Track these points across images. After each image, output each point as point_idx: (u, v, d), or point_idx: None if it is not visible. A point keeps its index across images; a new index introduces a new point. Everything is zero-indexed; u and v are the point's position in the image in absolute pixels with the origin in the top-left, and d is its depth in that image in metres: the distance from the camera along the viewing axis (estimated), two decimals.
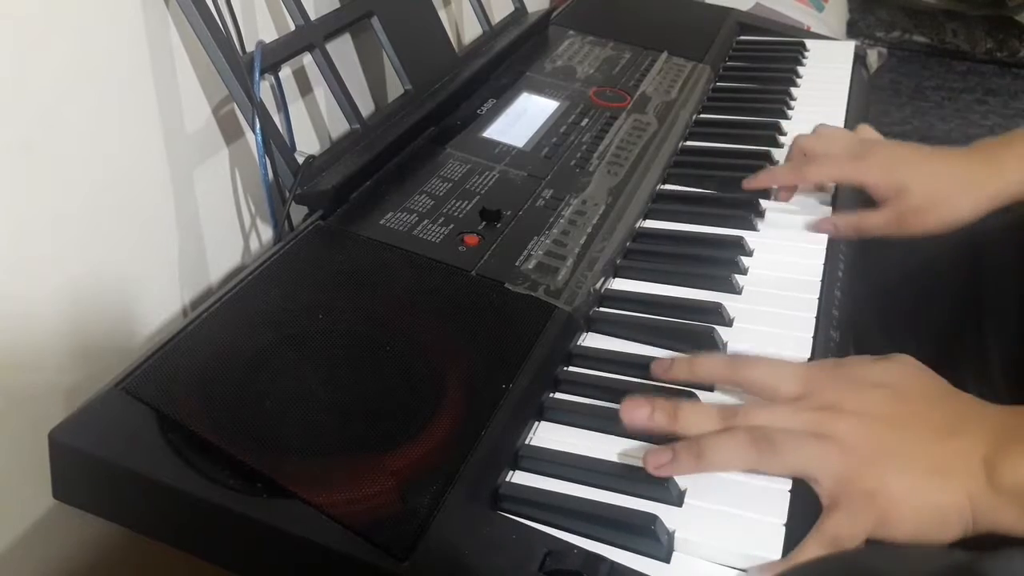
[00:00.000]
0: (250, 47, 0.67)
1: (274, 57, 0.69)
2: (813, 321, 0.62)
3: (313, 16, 0.73)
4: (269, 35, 0.73)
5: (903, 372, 0.51)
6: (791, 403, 0.49)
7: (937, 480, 0.45)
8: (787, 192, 0.76)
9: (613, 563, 0.44)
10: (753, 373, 0.52)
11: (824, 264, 0.68)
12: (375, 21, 0.79)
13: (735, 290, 0.65)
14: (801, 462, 0.47)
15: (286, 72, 0.78)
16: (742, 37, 1.13)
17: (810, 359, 0.58)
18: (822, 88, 0.99)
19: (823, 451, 0.46)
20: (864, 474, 0.45)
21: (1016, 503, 0.43)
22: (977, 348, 0.74)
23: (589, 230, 0.68)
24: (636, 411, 0.50)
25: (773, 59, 1.06)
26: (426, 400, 0.50)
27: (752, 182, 0.76)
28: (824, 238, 0.71)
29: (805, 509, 0.48)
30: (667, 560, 0.45)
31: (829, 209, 0.75)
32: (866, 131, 0.78)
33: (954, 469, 0.45)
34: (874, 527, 0.45)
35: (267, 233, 0.79)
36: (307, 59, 0.79)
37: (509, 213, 0.68)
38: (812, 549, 0.45)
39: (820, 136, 0.76)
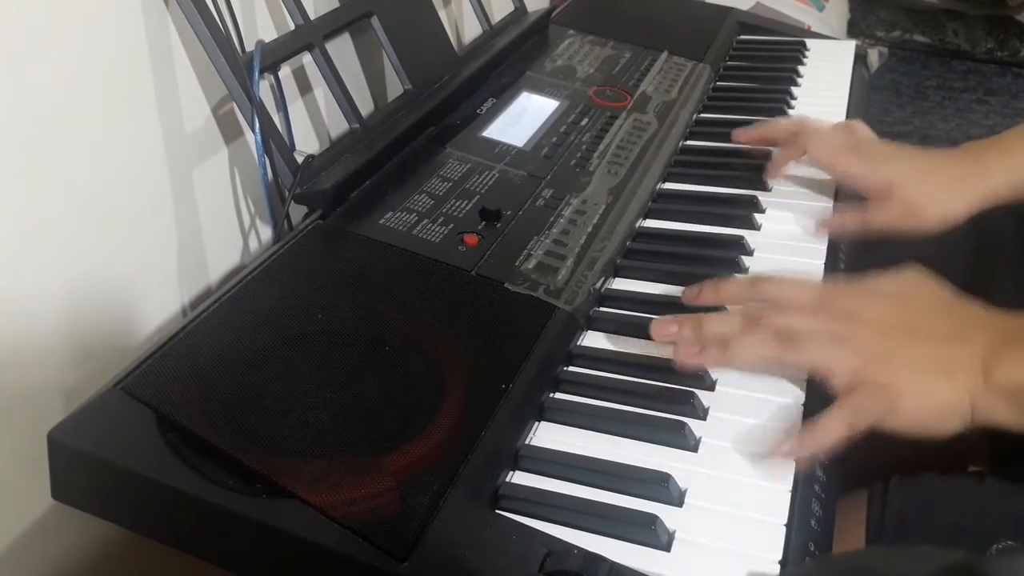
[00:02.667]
0: (249, 46, 0.67)
1: (274, 56, 0.69)
2: None
3: (313, 16, 0.73)
4: (269, 35, 0.73)
5: (913, 282, 0.56)
6: (810, 311, 0.53)
7: (942, 379, 0.50)
8: (775, 168, 0.77)
9: (613, 563, 0.44)
10: (774, 289, 0.56)
11: (825, 264, 0.68)
12: (375, 21, 0.79)
13: None
14: (820, 357, 0.52)
15: (285, 71, 0.78)
16: (742, 36, 1.13)
17: None
18: (823, 88, 0.99)
19: (840, 350, 0.51)
20: (877, 371, 0.51)
21: (1008, 400, 0.49)
22: None
23: (589, 230, 0.68)
24: (665, 327, 0.55)
25: (773, 59, 1.06)
26: (426, 400, 0.50)
27: (745, 135, 0.79)
28: (824, 238, 0.71)
29: (805, 509, 0.48)
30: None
31: (830, 208, 0.75)
32: (859, 127, 0.78)
33: (957, 370, 0.50)
34: (883, 417, 0.50)
35: (266, 233, 0.79)
36: (307, 58, 0.79)
37: (509, 213, 0.68)
38: (835, 415, 0.50)
39: (814, 124, 0.77)
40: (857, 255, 0.73)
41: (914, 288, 0.55)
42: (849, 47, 1.09)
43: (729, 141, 0.86)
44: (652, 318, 0.61)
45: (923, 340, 0.52)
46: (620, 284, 0.66)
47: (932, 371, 0.51)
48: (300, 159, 0.68)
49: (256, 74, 0.65)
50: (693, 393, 0.54)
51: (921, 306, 0.54)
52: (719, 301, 0.58)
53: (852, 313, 0.53)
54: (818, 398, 0.55)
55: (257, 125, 0.65)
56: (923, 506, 0.57)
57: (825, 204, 0.76)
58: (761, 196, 0.76)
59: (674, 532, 0.46)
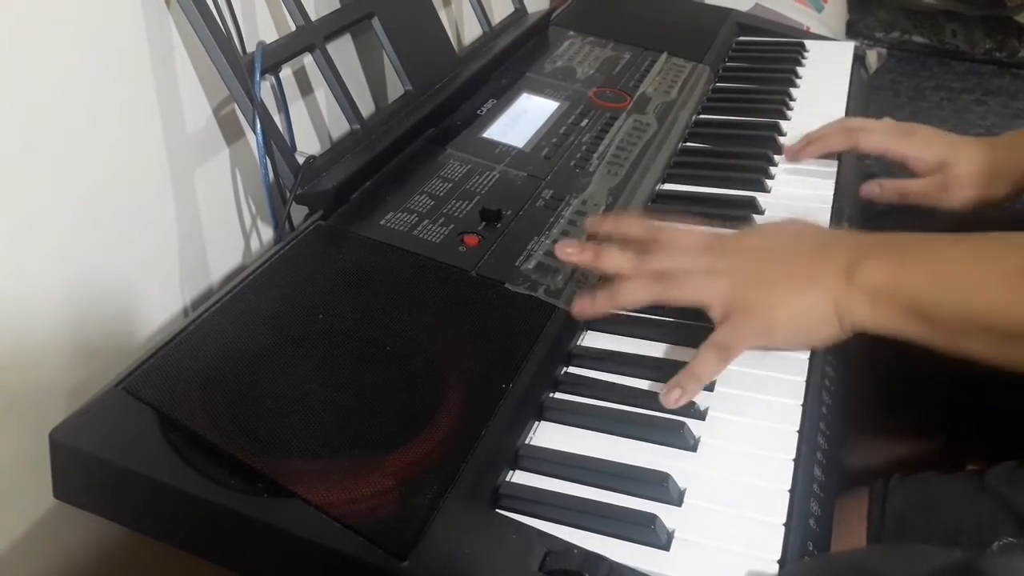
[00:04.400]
0: (251, 47, 0.67)
1: (275, 57, 0.69)
2: None
3: (314, 16, 0.73)
4: (269, 35, 0.73)
5: (785, 222, 0.63)
6: (690, 252, 0.59)
7: (806, 289, 0.55)
8: (812, 155, 0.80)
9: (613, 563, 0.44)
10: (664, 234, 0.61)
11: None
12: (375, 22, 0.79)
13: None
14: (696, 292, 0.57)
15: (286, 72, 0.78)
16: (741, 38, 1.13)
17: (809, 359, 0.58)
18: (821, 89, 0.99)
19: (713, 281, 0.57)
20: (746, 294, 0.56)
21: (869, 301, 0.54)
22: None
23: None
24: (566, 248, 0.60)
25: (773, 60, 1.07)
26: (426, 400, 0.51)
27: (801, 150, 0.80)
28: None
29: (804, 508, 0.48)
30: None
31: (829, 208, 0.75)
32: (891, 121, 0.82)
33: (820, 279, 0.55)
34: (760, 335, 0.56)
35: (268, 233, 0.79)
36: (307, 59, 0.79)
37: (509, 213, 0.68)
38: (705, 354, 0.55)
39: (861, 118, 0.81)
40: None
41: (788, 224, 0.62)
42: (848, 48, 1.09)
43: (729, 142, 0.86)
44: (652, 318, 0.62)
45: (789, 258, 0.57)
46: None
47: (796, 284, 0.55)
48: (301, 160, 0.69)
49: (257, 75, 0.66)
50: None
51: (790, 234, 0.60)
52: (617, 232, 0.62)
53: (725, 249, 0.59)
54: (817, 398, 0.56)
55: (258, 126, 0.66)
56: (923, 504, 0.57)
57: (823, 206, 0.76)
58: (760, 197, 0.76)
59: (673, 531, 0.46)
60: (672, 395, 0.53)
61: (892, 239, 0.57)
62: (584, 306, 0.59)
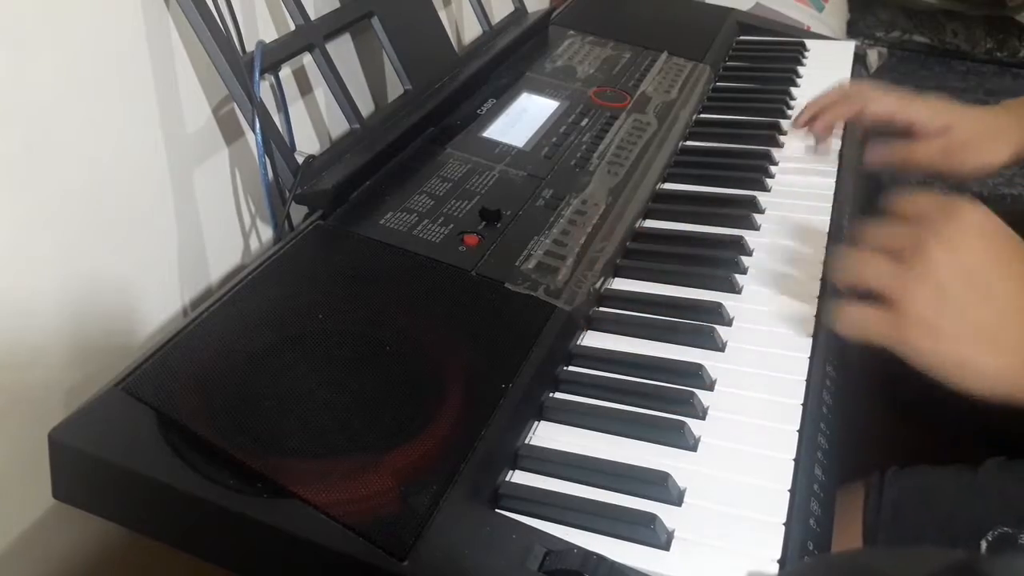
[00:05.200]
0: (250, 47, 0.67)
1: (274, 57, 0.69)
2: (813, 320, 0.62)
3: (313, 16, 0.73)
4: (269, 35, 0.73)
5: (990, 243, 0.54)
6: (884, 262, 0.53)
7: (991, 354, 0.50)
8: (825, 128, 0.80)
9: (612, 562, 0.44)
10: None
11: (824, 262, 0.68)
12: (375, 21, 0.79)
13: (735, 290, 0.65)
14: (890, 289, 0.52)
15: (286, 72, 0.78)
16: (742, 37, 1.13)
17: (810, 358, 0.58)
18: (822, 88, 0.98)
19: (895, 320, 0.52)
20: (936, 316, 0.51)
21: None
22: None
23: (589, 230, 0.68)
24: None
25: (773, 59, 1.06)
26: (426, 400, 0.50)
27: (810, 125, 0.81)
28: (824, 238, 0.71)
29: (804, 508, 0.48)
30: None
31: (830, 208, 0.75)
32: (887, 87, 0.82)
33: (1006, 349, 0.50)
34: (925, 356, 0.51)
35: (267, 233, 0.79)
36: (307, 59, 0.79)
37: (509, 213, 0.68)
38: (882, 317, 0.51)
39: (863, 85, 0.82)
40: None
41: (994, 252, 0.54)
42: (848, 47, 1.09)
43: (729, 141, 0.86)
44: (652, 318, 0.62)
45: (988, 308, 0.51)
46: (620, 284, 0.66)
47: (985, 340, 0.51)
48: (301, 159, 0.68)
49: (257, 74, 0.65)
50: (693, 393, 0.54)
51: (991, 272, 0.53)
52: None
53: (923, 272, 0.52)
54: (817, 397, 0.56)
55: (258, 125, 0.65)
56: (919, 495, 0.57)
57: (824, 204, 0.76)
58: (761, 196, 0.76)
59: (673, 531, 0.46)
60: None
61: None
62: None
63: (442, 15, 0.89)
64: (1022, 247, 0.55)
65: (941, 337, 0.51)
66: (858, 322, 0.53)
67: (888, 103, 0.77)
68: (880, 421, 0.74)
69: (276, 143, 0.67)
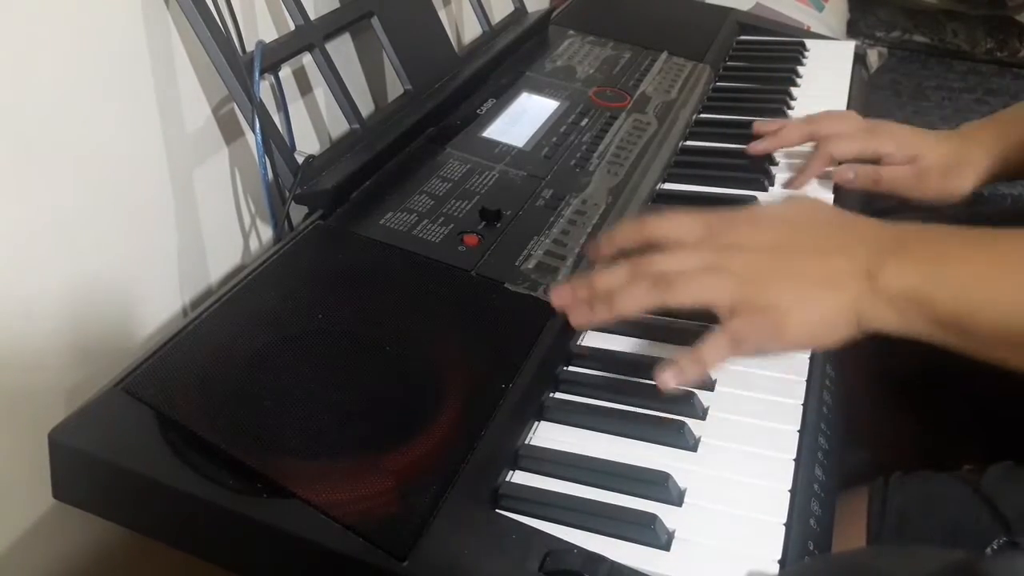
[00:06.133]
0: (250, 47, 0.67)
1: (274, 57, 0.69)
2: None
3: (313, 16, 0.73)
4: (269, 35, 0.73)
5: (797, 207, 0.58)
6: (692, 247, 0.54)
7: (823, 291, 0.51)
8: (803, 179, 0.79)
9: (613, 563, 0.44)
10: (658, 229, 0.56)
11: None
12: (375, 21, 0.79)
13: None
14: (698, 292, 0.52)
15: (286, 72, 0.78)
16: (742, 37, 1.13)
17: (809, 358, 0.58)
18: (822, 88, 0.99)
19: (717, 281, 0.52)
20: (756, 293, 0.51)
21: (893, 305, 0.50)
22: None
23: (589, 230, 0.68)
24: (561, 292, 0.56)
25: (773, 59, 1.06)
26: (426, 400, 0.50)
27: (753, 146, 0.80)
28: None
29: (804, 508, 0.48)
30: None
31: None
32: (852, 114, 0.82)
33: (838, 281, 0.51)
34: (770, 338, 0.52)
35: (267, 233, 0.79)
36: (307, 59, 0.79)
37: (509, 213, 0.68)
38: (715, 339, 0.52)
39: (824, 121, 0.80)
40: None
41: (797, 208, 0.57)
42: (848, 47, 1.09)
43: (729, 141, 0.86)
44: (652, 318, 0.61)
45: (804, 255, 0.53)
46: None
47: (815, 285, 0.51)
48: (300, 159, 0.68)
49: (257, 74, 0.65)
50: (693, 393, 0.54)
51: (803, 223, 0.55)
52: (614, 249, 0.58)
53: (731, 242, 0.54)
54: (818, 397, 0.56)
55: (257, 125, 0.65)
56: (924, 503, 0.57)
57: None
58: (760, 197, 0.76)
59: (673, 532, 0.46)
60: (667, 374, 0.51)
61: (920, 234, 0.53)
62: (582, 317, 0.55)
63: (442, 15, 0.89)
64: (819, 206, 0.58)
65: (769, 282, 0.52)
66: (687, 290, 0.53)
67: (851, 146, 0.76)
68: (882, 426, 0.74)
69: (276, 143, 0.67)
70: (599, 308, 0.54)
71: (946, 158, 0.74)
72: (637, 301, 0.54)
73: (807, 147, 0.81)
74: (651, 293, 0.53)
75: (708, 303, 0.53)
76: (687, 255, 0.54)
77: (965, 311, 0.49)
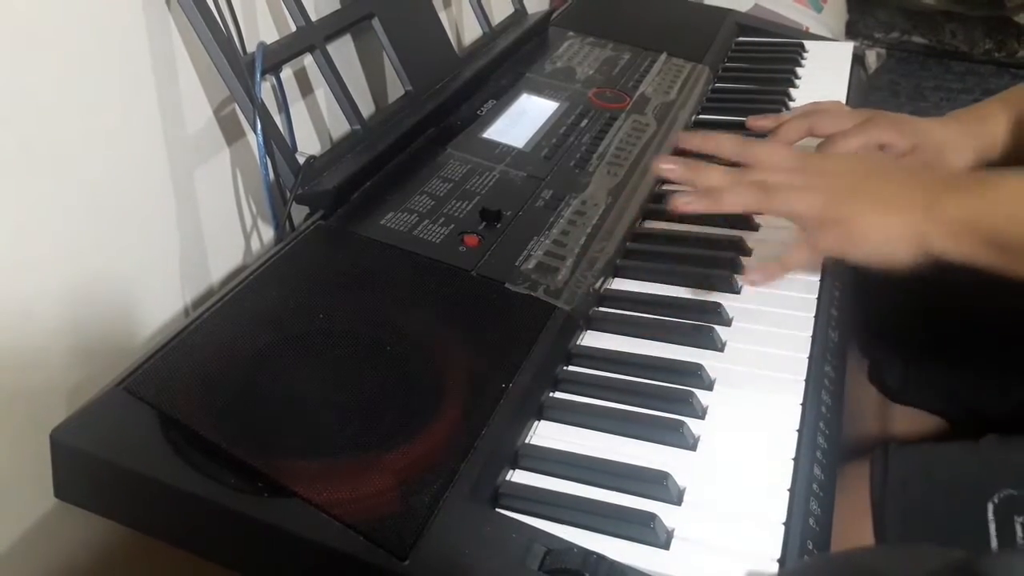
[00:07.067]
0: (251, 48, 0.67)
1: (275, 58, 0.69)
2: (812, 320, 0.62)
3: (314, 17, 0.73)
4: (270, 36, 0.73)
5: (864, 152, 0.69)
6: (786, 168, 0.62)
7: (891, 212, 0.58)
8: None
9: (612, 561, 0.44)
10: (759, 150, 0.64)
11: (823, 263, 0.68)
12: (376, 22, 0.79)
13: (734, 290, 0.65)
14: (792, 202, 0.60)
15: (287, 73, 0.78)
16: (741, 38, 1.13)
17: (809, 358, 0.58)
18: (820, 89, 0.99)
19: (807, 195, 0.60)
20: (838, 207, 0.59)
21: (950, 231, 0.56)
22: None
23: (589, 230, 0.68)
24: (666, 161, 0.64)
25: (772, 60, 1.07)
26: (426, 400, 0.51)
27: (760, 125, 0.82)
28: None
29: (803, 507, 0.48)
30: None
31: None
32: (840, 105, 0.83)
33: (905, 206, 0.58)
34: (846, 244, 0.59)
35: (268, 233, 0.79)
36: (308, 60, 0.79)
37: (509, 213, 0.68)
38: (798, 247, 0.61)
39: (822, 115, 0.80)
40: None
41: (870, 154, 0.68)
42: (847, 48, 1.09)
43: None
44: (652, 318, 0.62)
45: (878, 182, 0.61)
46: (620, 284, 0.67)
47: (883, 205, 0.59)
48: (302, 160, 0.69)
49: (258, 75, 0.66)
50: (692, 392, 0.55)
51: (879, 160, 0.66)
52: (711, 150, 0.66)
53: (820, 167, 0.63)
54: (817, 397, 0.56)
55: (259, 126, 0.66)
56: (923, 468, 0.59)
57: None
58: None
59: (673, 530, 0.46)
60: (755, 275, 0.61)
61: (969, 177, 0.61)
62: (684, 203, 0.61)
63: (442, 16, 0.89)
64: (884, 155, 0.70)
65: (849, 200, 0.59)
66: (785, 199, 0.60)
67: (855, 141, 0.77)
68: (876, 406, 0.76)
69: (277, 144, 0.67)
70: (703, 200, 0.61)
71: (942, 144, 0.75)
72: (743, 200, 0.61)
73: (806, 144, 0.81)
74: (755, 196, 0.60)
75: (800, 213, 0.60)
76: (784, 173, 0.61)
77: (1009, 232, 0.55)
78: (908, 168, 0.66)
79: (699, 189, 0.62)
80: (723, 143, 0.65)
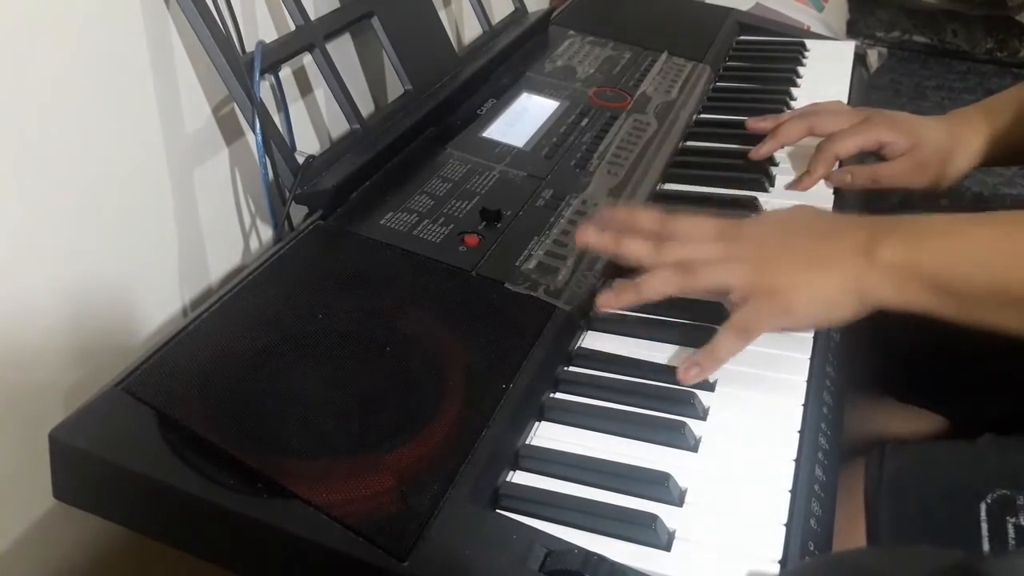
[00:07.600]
0: (250, 47, 0.67)
1: (274, 57, 0.69)
2: None
3: (313, 16, 0.73)
4: (269, 35, 0.73)
5: (793, 209, 0.64)
6: (707, 240, 0.60)
7: (825, 270, 0.56)
8: (810, 181, 0.79)
9: (613, 563, 0.44)
10: (679, 226, 0.61)
11: None
12: (375, 21, 0.79)
13: None
14: (717, 276, 0.57)
15: (286, 72, 0.78)
16: (742, 37, 1.13)
17: (810, 358, 0.58)
18: (822, 88, 0.99)
19: (732, 267, 0.57)
20: (765, 277, 0.56)
21: (889, 278, 0.54)
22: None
23: None
24: (587, 232, 0.61)
25: (773, 59, 1.06)
26: (426, 400, 0.50)
27: (757, 152, 0.81)
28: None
29: (805, 509, 0.48)
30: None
31: (830, 208, 0.75)
32: (840, 104, 0.84)
33: (839, 260, 0.56)
34: (780, 317, 0.56)
35: (267, 233, 0.79)
36: (307, 59, 0.79)
37: (509, 213, 0.68)
38: (725, 334, 0.56)
39: (821, 115, 0.80)
40: None
41: (797, 210, 0.63)
42: (848, 47, 1.09)
43: (729, 142, 0.86)
44: (652, 318, 0.61)
45: (805, 242, 0.58)
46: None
47: (817, 265, 0.56)
48: (301, 159, 0.68)
49: (257, 74, 0.65)
50: (693, 393, 0.54)
51: (804, 219, 0.61)
52: (630, 224, 0.62)
53: (740, 235, 0.60)
54: (818, 398, 0.56)
55: (258, 125, 0.65)
56: (919, 467, 0.59)
57: (826, 204, 0.76)
58: (761, 197, 0.76)
59: (674, 532, 0.46)
60: (691, 372, 0.55)
61: (908, 219, 0.57)
62: (609, 300, 0.60)
63: (442, 15, 0.89)
64: (817, 208, 0.65)
65: (779, 265, 0.56)
66: (710, 273, 0.57)
67: (854, 141, 0.77)
68: (878, 403, 0.76)
69: (276, 143, 0.67)
70: (625, 292, 0.59)
71: (943, 144, 0.76)
72: (664, 286, 0.58)
73: (805, 143, 0.81)
74: (678, 277, 0.58)
75: (726, 288, 0.57)
76: (705, 245, 0.59)
77: (953, 275, 0.54)
78: (835, 220, 0.63)
79: (615, 286, 0.60)
80: (642, 219, 0.62)
